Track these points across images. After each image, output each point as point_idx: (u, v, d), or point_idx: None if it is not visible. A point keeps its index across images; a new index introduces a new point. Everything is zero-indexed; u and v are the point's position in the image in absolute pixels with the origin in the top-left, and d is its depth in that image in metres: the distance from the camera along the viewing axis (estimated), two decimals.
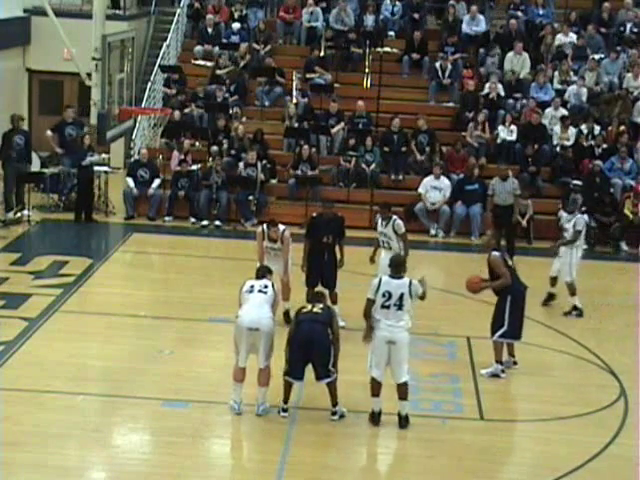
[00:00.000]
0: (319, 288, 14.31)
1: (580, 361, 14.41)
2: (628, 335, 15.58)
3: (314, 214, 15.41)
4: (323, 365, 11.69)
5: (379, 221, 15.12)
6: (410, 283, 11.70)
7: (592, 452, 11.51)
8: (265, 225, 15.06)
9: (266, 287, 12.05)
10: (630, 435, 11.96)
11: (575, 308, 16.49)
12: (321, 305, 11.98)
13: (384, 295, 11.60)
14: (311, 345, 11.64)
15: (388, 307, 11.59)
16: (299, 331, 11.72)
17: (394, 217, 14.98)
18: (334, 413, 11.94)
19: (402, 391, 11.80)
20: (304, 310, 11.95)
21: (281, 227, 14.89)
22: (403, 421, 11.87)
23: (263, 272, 12.42)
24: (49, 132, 21.86)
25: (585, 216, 17.29)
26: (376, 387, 11.79)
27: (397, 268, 11.91)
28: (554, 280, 16.72)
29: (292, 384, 11.89)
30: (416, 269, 16.50)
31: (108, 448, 11.25)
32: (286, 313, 14.76)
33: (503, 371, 13.55)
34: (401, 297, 11.59)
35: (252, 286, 12.07)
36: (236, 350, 11.88)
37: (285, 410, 11.95)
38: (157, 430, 11.68)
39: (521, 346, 13.97)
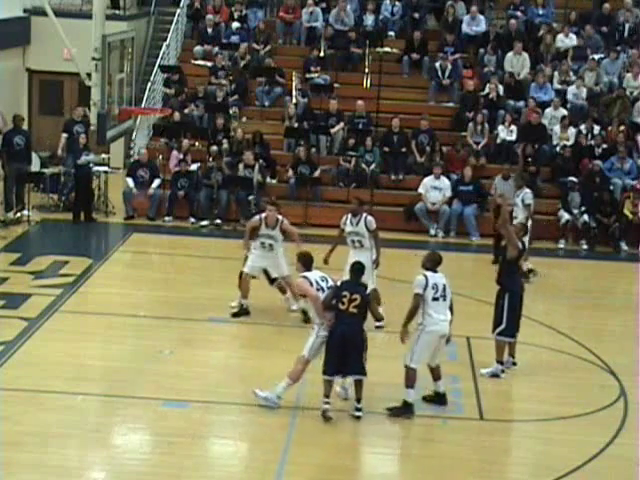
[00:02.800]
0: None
1: (580, 361, 14.40)
2: (628, 335, 15.57)
3: None
4: (357, 361, 11.80)
5: (348, 220, 14.90)
6: (445, 276, 12.29)
7: (592, 452, 11.51)
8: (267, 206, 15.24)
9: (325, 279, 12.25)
10: (630, 435, 11.95)
11: (530, 270, 17.29)
12: (358, 299, 11.83)
13: (433, 287, 12.08)
14: (349, 344, 11.76)
15: (438, 299, 12.08)
16: (336, 331, 11.76)
17: (364, 214, 14.93)
18: (359, 409, 11.96)
19: (438, 371, 12.40)
20: (342, 305, 11.76)
21: (280, 217, 14.99)
22: (442, 398, 12.42)
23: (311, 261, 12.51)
24: (64, 134, 21.88)
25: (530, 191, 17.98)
26: (414, 378, 12.10)
27: (436, 264, 12.34)
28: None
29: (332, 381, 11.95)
30: (416, 269, 16.52)
31: (108, 448, 11.25)
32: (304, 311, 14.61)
33: (503, 371, 13.57)
34: (444, 288, 12.14)
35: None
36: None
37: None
38: (157, 430, 11.67)
39: (521, 346, 13.98)
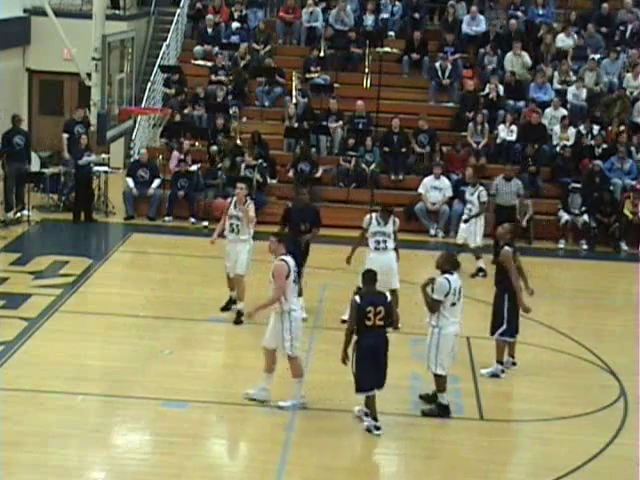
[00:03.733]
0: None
1: (580, 361, 14.40)
2: (628, 335, 15.57)
3: (289, 204, 15.50)
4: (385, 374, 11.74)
5: (374, 220, 14.85)
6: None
7: (592, 452, 11.51)
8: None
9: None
10: (630, 435, 11.96)
11: (480, 270, 17.74)
12: (382, 311, 11.50)
13: (454, 293, 11.96)
14: (380, 355, 11.62)
15: (455, 304, 12.02)
16: (368, 345, 11.50)
17: (392, 215, 14.98)
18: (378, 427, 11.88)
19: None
20: (368, 321, 11.41)
21: (248, 199, 15.12)
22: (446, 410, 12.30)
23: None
24: (64, 134, 21.90)
25: (483, 189, 18.19)
26: (445, 382, 12.14)
27: (455, 265, 12.25)
28: (465, 247, 17.83)
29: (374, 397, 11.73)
30: (416, 269, 16.54)
31: (108, 448, 11.25)
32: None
33: (503, 371, 13.57)
34: (460, 291, 12.08)
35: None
36: None
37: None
38: (157, 430, 11.67)
39: (521, 346, 13.98)
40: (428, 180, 21.14)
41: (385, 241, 14.83)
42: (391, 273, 14.59)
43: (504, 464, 11.62)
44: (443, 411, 12.22)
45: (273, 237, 12.32)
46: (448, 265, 12.14)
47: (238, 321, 14.90)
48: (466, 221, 18.09)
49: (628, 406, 12.82)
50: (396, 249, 14.91)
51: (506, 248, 13.43)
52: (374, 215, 14.95)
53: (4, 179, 20.82)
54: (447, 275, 12.02)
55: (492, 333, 13.53)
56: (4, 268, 17.31)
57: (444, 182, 21.14)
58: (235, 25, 25.34)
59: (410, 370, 13.19)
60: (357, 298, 11.51)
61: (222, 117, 22.48)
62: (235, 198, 15.14)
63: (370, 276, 11.81)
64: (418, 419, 12.07)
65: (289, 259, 12.04)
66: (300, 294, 13.97)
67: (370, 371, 11.50)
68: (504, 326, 13.36)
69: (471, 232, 17.92)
